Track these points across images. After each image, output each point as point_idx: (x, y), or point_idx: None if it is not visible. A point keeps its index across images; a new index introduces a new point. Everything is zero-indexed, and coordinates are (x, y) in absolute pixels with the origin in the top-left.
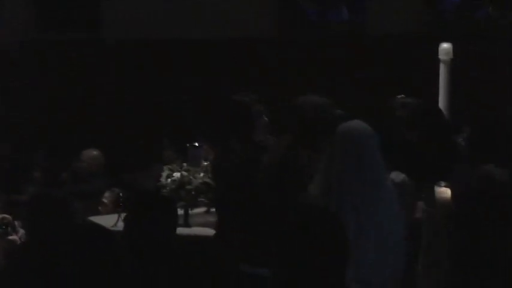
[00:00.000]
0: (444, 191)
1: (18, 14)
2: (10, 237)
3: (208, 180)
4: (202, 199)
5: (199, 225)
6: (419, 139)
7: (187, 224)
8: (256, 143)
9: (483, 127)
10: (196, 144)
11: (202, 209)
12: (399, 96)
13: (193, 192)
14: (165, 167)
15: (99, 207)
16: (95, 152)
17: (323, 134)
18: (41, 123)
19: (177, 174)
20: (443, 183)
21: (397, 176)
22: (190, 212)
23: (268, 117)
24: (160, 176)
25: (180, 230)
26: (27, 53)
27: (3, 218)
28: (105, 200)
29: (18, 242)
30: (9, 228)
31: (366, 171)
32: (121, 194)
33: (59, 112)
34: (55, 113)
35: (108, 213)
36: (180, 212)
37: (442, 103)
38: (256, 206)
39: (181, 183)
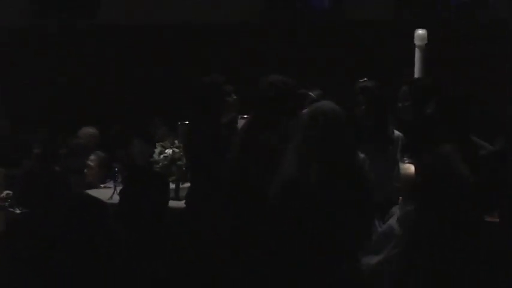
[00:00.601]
0: (408, 167)
1: None
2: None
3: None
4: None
5: None
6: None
7: (178, 198)
8: (226, 122)
9: (444, 106)
10: (187, 123)
11: None
12: (361, 80)
13: (184, 168)
14: (157, 144)
15: (85, 170)
16: (91, 130)
17: (285, 114)
18: (41, 104)
19: (169, 151)
20: (407, 160)
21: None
22: (181, 186)
23: (240, 97)
24: (153, 152)
25: (172, 203)
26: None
27: (7, 194)
28: (90, 163)
29: None
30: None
31: (334, 151)
32: (116, 169)
33: (58, 92)
34: (54, 93)
35: (93, 175)
36: (172, 186)
37: None
38: (223, 185)
39: (172, 159)
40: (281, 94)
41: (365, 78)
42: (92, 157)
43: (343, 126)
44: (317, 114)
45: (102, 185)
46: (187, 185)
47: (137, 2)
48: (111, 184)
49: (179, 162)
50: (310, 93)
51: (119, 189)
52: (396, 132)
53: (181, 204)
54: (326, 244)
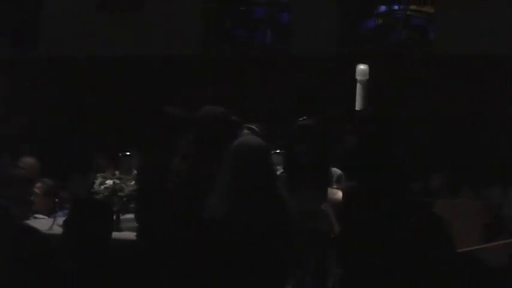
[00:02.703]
0: (335, 192)
1: None
2: None
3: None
4: (133, 205)
5: (129, 229)
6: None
7: (118, 229)
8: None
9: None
10: (128, 154)
11: (132, 215)
12: (301, 119)
13: (124, 199)
14: (98, 175)
15: (31, 197)
16: (31, 160)
17: (220, 144)
18: None
19: (109, 182)
20: (335, 185)
21: None
22: (121, 217)
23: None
24: (94, 183)
25: (112, 234)
26: None
27: None
28: (37, 190)
29: None
30: None
31: (258, 184)
32: (57, 200)
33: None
34: None
35: (40, 203)
36: None
37: None
38: (166, 214)
39: (113, 191)
40: (215, 124)
41: (304, 117)
42: (39, 184)
43: (267, 160)
44: (241, 148)
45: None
46: (128, 216)
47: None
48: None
49: (120, 193)
50: (252, 127)
51: (60, 219)
52: (334, 170)
53: (121, 235)
54: (251, 272)
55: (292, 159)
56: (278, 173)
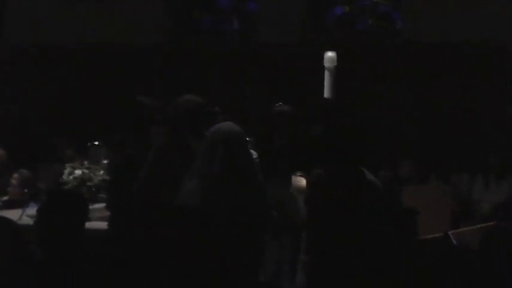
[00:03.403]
0: (299, 180)
1: None
2: None
3: (107, 177)
4: (102, 195)
5: (98, 219)
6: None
7: (87, 219)
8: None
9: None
10: (97, 143)
11: (101, 205)
12: (277, 105)
13: (93, 189)
14: (67, 165)
15: (8, 188)
16: (0, 151)
17: (195, 134)
18: None
19: (78, 172)
20: (299, 173)
21: None
22: (90, 207)
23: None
24: (63, 173)
25: None
26: None
27: None
28: (13, 181)
29: None
30: None
31: (236, 171)
32: (26, 190)
33: None
34: None
35: (15, 193)
36: None
37: None
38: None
39: (82, 180)
40: (192, 113)
41: (280, 103)
42: (16, 175)
43: (244, 146)
44: (218, 135)
45: None
46: (97, 205)
47: (42, 23)
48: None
49: (89, 183)
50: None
51: (27, 210)
52: None
53: (90, 225)
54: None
55: (268, 146)
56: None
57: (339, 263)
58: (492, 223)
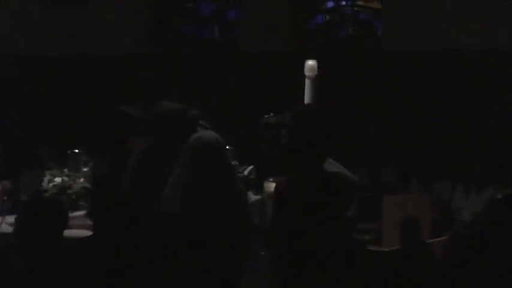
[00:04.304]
0: (270, 185)
1: None
2: None
3: (87, 185)
4: (82, 203)
5: (78, 227)
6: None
7: (67, 226)
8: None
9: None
10: (77, 151)
11: (81, 212)
12: (266, 116)
13: (73, 197)
14: (46, 173)
15: None
16: None
17: (176, 139)
18: None
19: (58, 179)
20: (271, 179)
21: None
22: (70, 215)
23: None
24: (42, 181)
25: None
26: None
27: None
28: None
29: None
30: None
31: (216, 180)
32: (5, 198)
33: None
34: None
35: None
36: None
37: None
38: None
39: (62, 188)
40: (172, 119)
41: (271, 114)
42: None
43: (224, 155)
44: (198, 143)
45: None
46: (77, 213)
47: (19, 32)
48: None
49: (69, 191)
50: (204, 123)
51: (8, 218)
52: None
53: (70, 233)
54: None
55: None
56: (249, 168)
57: (306, 270)
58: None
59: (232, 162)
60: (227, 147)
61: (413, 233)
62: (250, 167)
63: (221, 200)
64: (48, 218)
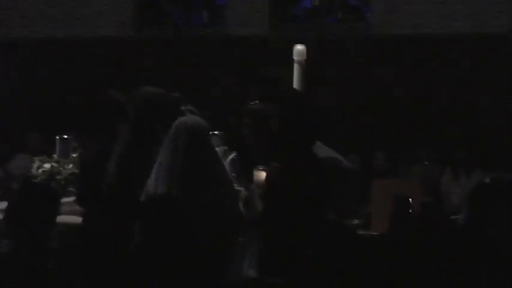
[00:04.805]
0: (260, 174)
1: None
2: None
3: (76, 171)
4: (71, 189)
5: (68, 213)
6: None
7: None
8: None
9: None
10: (65, 137)
11: (71, 198)
12: (252, 103)
13: (63, 182)
14: (35, 159)
15: None
16: None
17: (159, 124)
18: None
19: (47, 165)
20: (261, 167)
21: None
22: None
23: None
24: (31, 166)
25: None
26: None
27: None
28: None
29: None
30: None
31: (199, 165)
32: None
33: None
34: None
35: None
36: None
37: None
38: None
39: (51, 174)
40: (152, 103)
41: (256, 101)
42: None
43: (207, 140)
44: (181, 128)
45: None
46: (66, 199)
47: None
48: None
49: (58, 177)
50: (191, 108)
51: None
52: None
53: (59, 218)
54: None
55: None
56: (232, 155)
57: (294, 258)
58: None
59: (221, 148)
60: (216, 132)
61: (404, 213)
62: (233, 154)
63: (204, 185)
64: (40, 202)
